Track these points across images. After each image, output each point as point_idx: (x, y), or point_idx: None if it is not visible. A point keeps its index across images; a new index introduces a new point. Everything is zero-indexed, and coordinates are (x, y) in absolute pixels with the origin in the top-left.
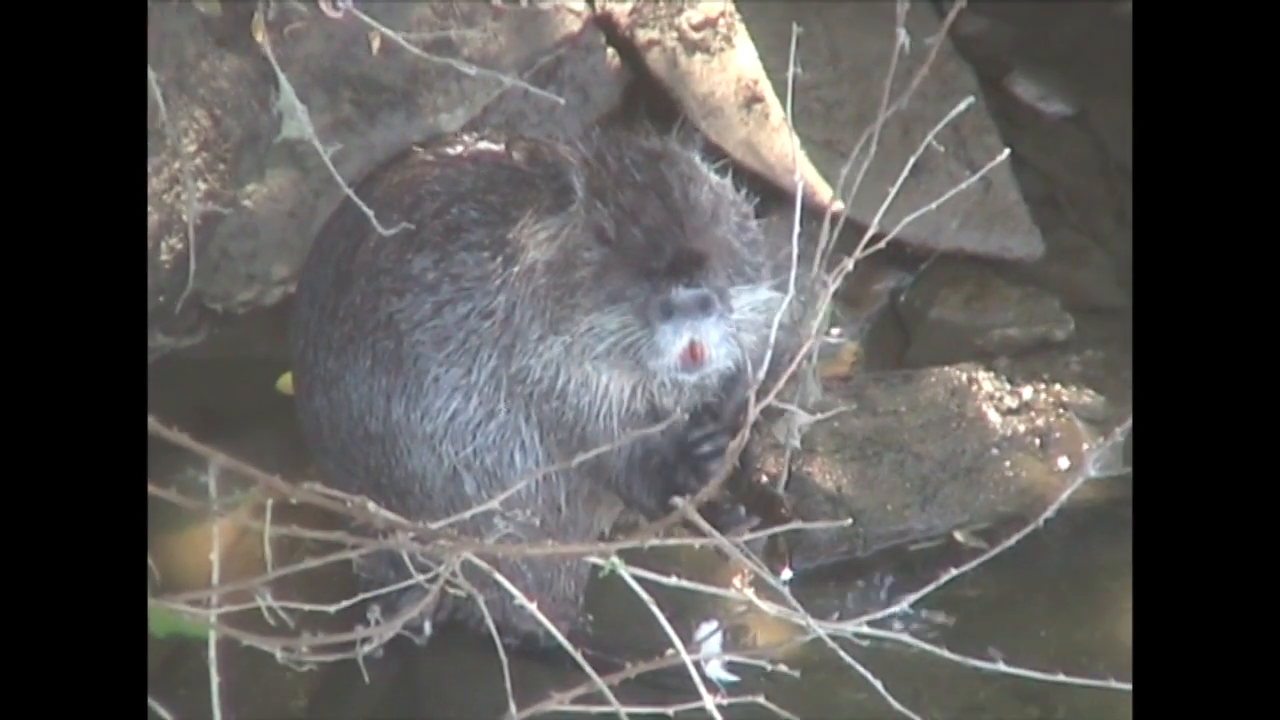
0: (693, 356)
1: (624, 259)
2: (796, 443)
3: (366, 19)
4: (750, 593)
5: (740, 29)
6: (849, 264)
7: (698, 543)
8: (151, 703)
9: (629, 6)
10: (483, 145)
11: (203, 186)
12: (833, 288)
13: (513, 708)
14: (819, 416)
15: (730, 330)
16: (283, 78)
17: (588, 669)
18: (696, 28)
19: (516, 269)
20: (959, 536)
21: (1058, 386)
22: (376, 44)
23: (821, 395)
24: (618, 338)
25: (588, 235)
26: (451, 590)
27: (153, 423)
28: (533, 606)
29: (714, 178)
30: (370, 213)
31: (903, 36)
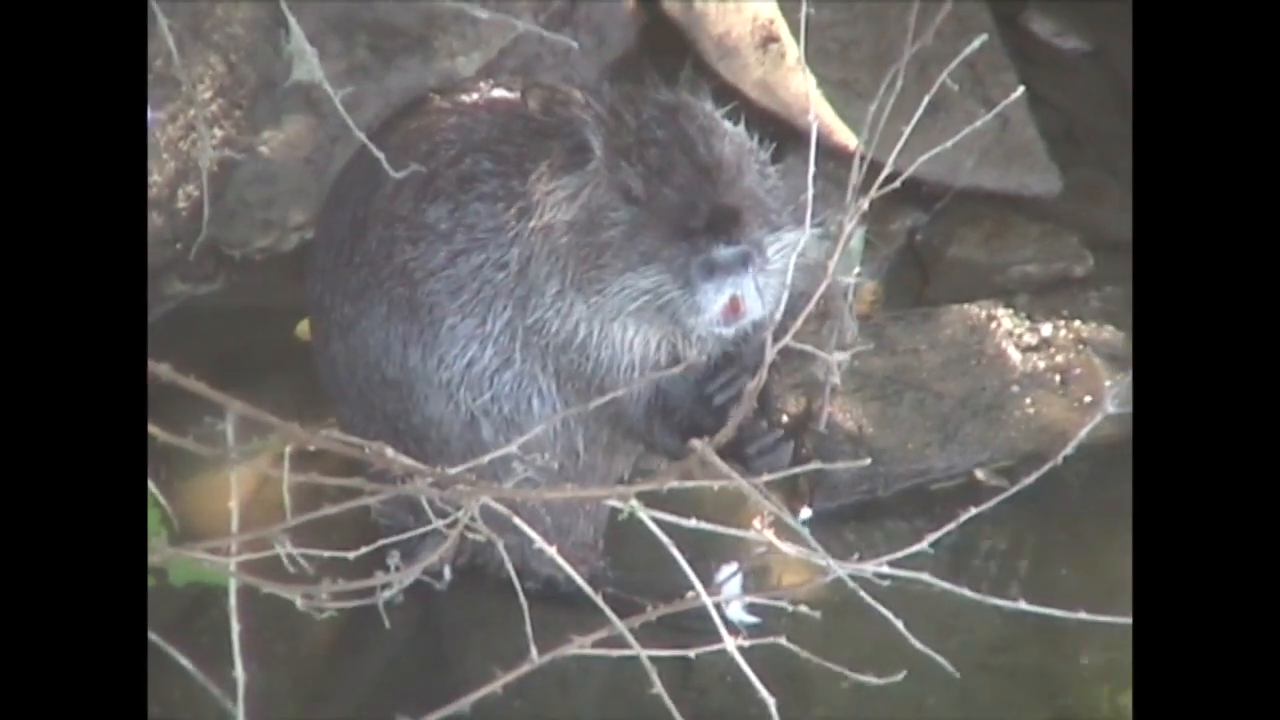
0: (733, 310)
1: (656, 218)
2: (836, 379)
3: None
4: (770, 534)
5: None
6: (864, 204)
7: (717, 484)
8: (172, 651)
9: None
10: (498, 93)
11: (218, 133)
12: (849, 228)
13: (534, 651)
14: (857, 349)
15: (766, 280)
16: (292, 20)
17: (608, 612)
18: None
19: (532, 224)
20: (980, 475)
21: (1077, 323)
22: None
23: (858, 333)
24: (652, 297)
25: (612, 195)
26: (470, 535)
27: (169, 371)
28: (552, 551)
29: (730, 127)
30: (383, 158)
31: None
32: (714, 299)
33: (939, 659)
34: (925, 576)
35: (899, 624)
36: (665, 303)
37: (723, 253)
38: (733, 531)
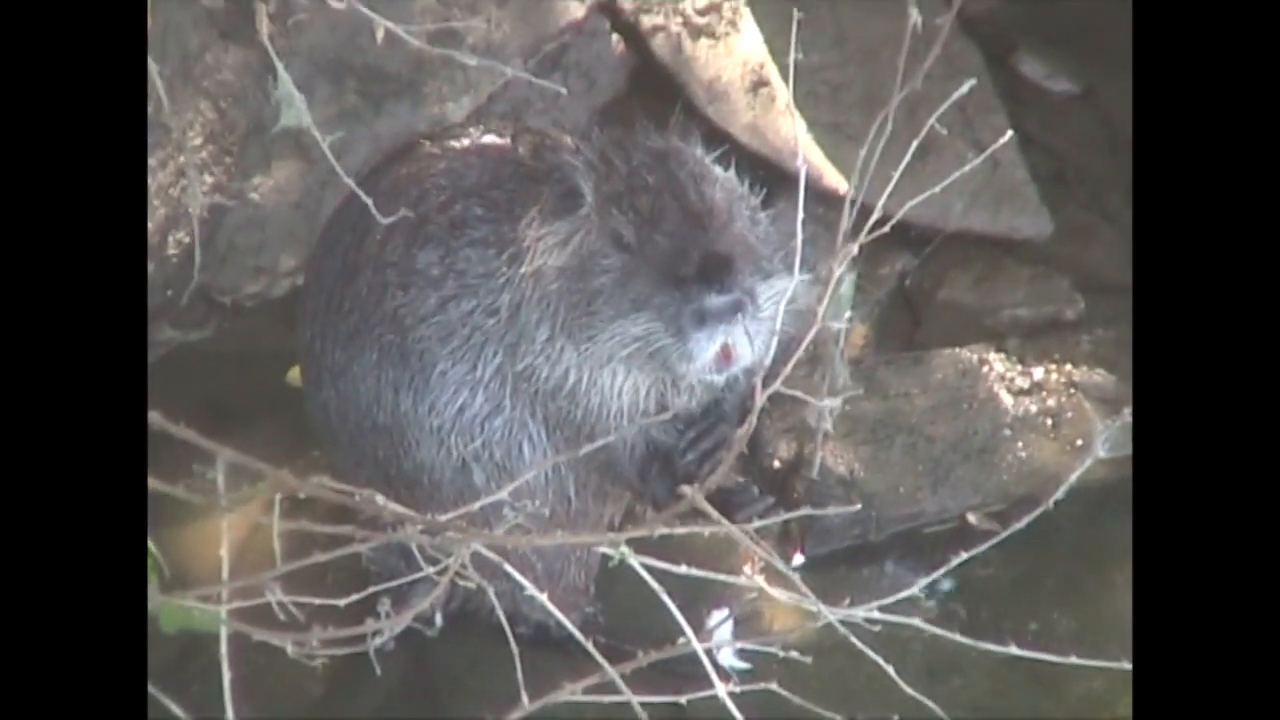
0: (725, 358)
1: (647, 265)
2: (828, 425)
3: (368, 11)
4: (760, 579)
5: (745, 12)
6: (854, 248)
7: (707, 530)
8: (163, 698)
9: None
10: (488, 138)
11: (208, 179)
12: (839, 272)
13: (524, 698)
14: (848, 394)
15: (758, 327)
16: (279, 65)
17: (599, 658)
18: (701, 12)
19: (523, 270)
20: (971, 518)
21: (1069, 366)
22: (381, 33)
23: (850, 378)
24: (643, 344)
25: (603, 241)
26: (461, 582)
27: (159, 418)
28: (543, 597)
29: (720, 172)
30: (371, 204)
31: (915, 16)
32: (706, 346)
33: (930, 704)
34: (917, 621)
35: (889, 669)
36: (656, 350)
37: (715, 300)
38: (723, 577)
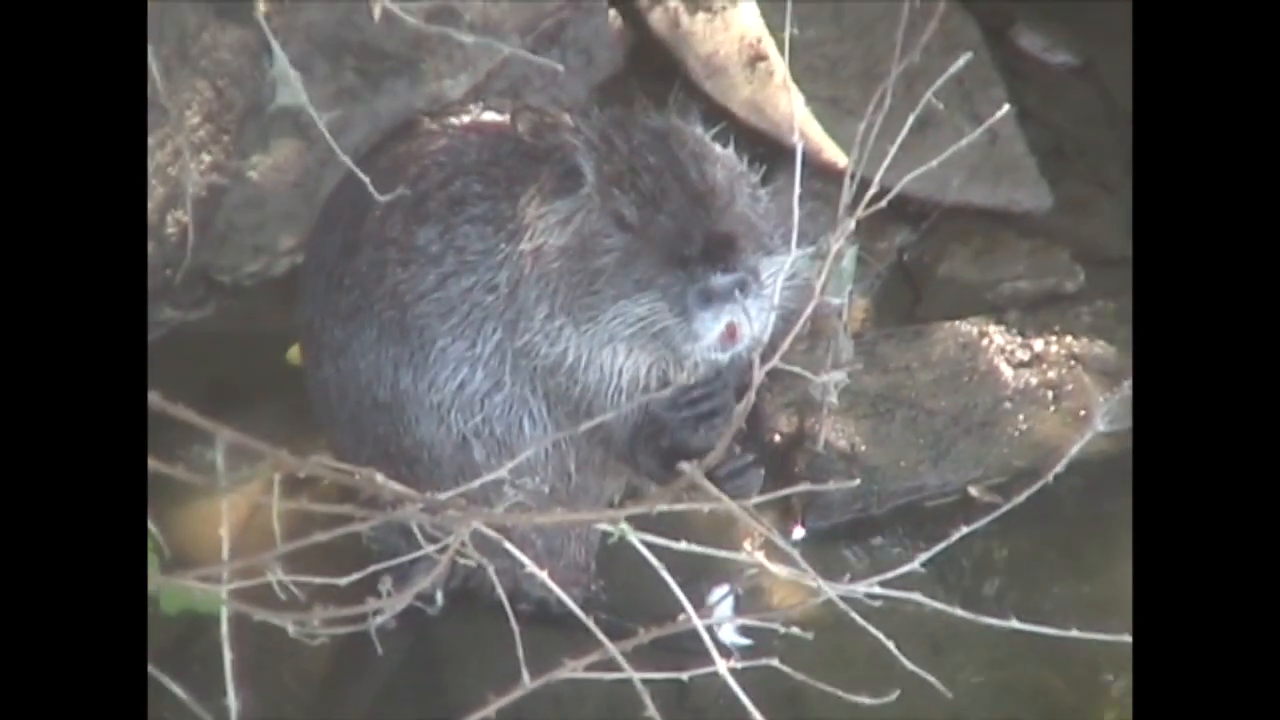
0: (730, 337)
1: (650, 246)
2: (833, 399)
3: None
4: (761, 555)
5: None
6: (852, 223)
7: (707, 507)
8: (165, 680)
9: None
10: (487, 116)
11: (206, 158)
12: (837, 246)
13: (526, 676)
14: (850, 368)
15: (761, 305)
16: (275, 44)
17: (600, 635)
18: None
19: (521, 247)
20: (973, 491)
21: (1069, 338)
22: (378, 11)
23: (854, 352)
24: (646, 323)
25: (605, 222)
26: (461, 560)
27: (159, 399)
28: (544, 574)
29: (720, 150)
30: (368, 182)
31: None
32: (711, 326)
33: (931, 679)
34: (917, 596)
35: (890, 644)
36: (660, 330)
37: (719, 280)
38: (724, 553)
